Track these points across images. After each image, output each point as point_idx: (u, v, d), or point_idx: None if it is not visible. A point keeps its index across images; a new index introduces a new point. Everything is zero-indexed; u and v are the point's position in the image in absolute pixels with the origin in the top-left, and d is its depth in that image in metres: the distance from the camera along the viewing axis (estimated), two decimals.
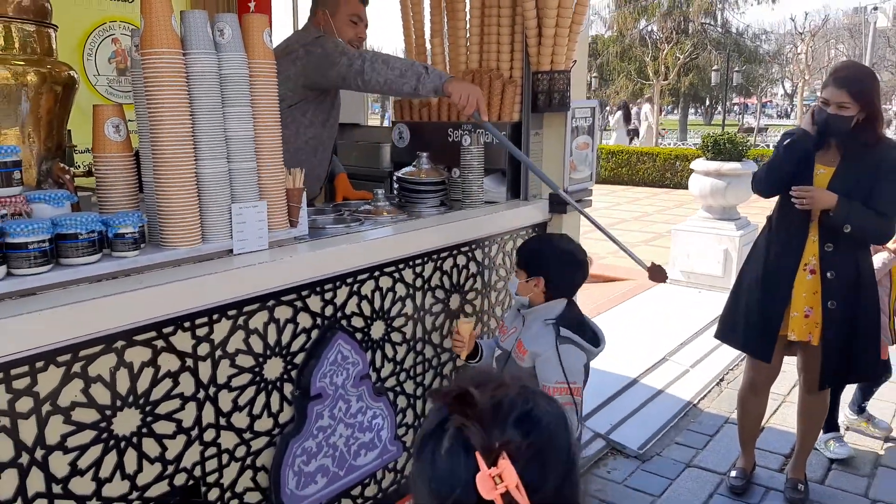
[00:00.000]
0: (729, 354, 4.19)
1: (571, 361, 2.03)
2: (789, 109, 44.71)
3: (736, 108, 40.08)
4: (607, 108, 17.42)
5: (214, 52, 1.65)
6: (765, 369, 2.76)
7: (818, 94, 2.59)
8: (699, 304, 5.29)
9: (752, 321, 2.71)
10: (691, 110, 35.64)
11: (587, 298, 4.94)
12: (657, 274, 2.35)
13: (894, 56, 33.62)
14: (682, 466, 3.15)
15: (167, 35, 1.55)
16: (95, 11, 3.42)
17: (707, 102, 33.75)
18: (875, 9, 11.44)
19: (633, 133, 17.51)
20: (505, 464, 0.71)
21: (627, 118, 16.95)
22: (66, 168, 1.73)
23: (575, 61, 2.57)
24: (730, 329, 2.83)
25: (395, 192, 2.72)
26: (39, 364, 1.34)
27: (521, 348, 2.09)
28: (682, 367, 4.16)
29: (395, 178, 2.75)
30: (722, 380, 4.07)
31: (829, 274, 2.53)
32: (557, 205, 2.73)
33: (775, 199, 2.70)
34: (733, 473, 2.99)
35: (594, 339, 2.10)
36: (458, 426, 0.75)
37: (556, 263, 2.10)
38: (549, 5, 2.40)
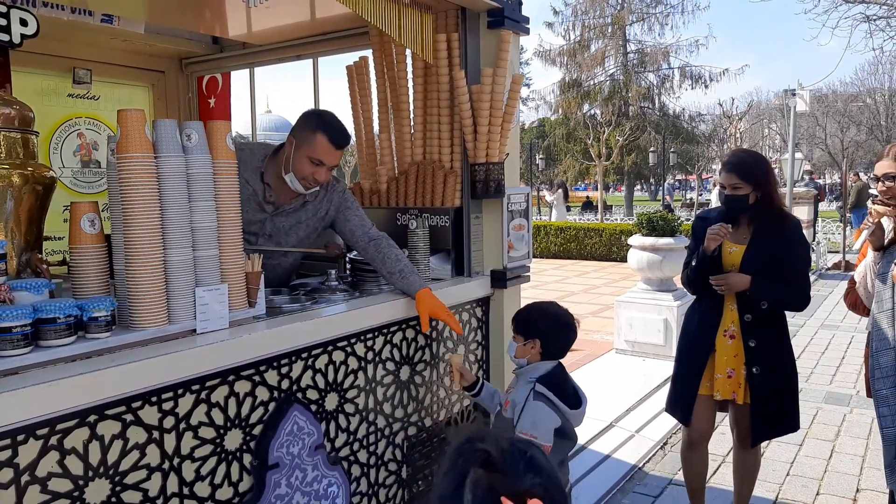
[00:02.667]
0: (672, 419, 4.40)
1: (539, 418, 2.19)
2: None
3: (679, 183, 42.00)
4: (559, 188, 19.34)
5: (182, 154, 1.87)
6: (697, 426, 2.97)
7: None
8: (643, 372, 5.53)
9: (676, 386, 2.96)
10: (637, 187, 37.19)
11: None
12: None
13: (823, 134, 35.99)
14: None
15: (141, 141, 1.76)
16: (63, 108, 3.64)
17: (651, 179, 35.28)
18: (794, 94, 12.41)
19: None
20: (534, 502, 0.85)
21: (566, 196, 19.10)
22: (43, 258, 1.89)
23: (508, 154, 2.87)
24: (667, 397, 3.07)
25: (349, 272, 2.93)
26: (20, 437, 1.47)
27: (506, 402, 2.30)
28: (629, 433, 4.35)
29: (348, 259, 2.96)
30: (666, 443, 4.26)
31: (750, 342, 2.78)
32: (498, 280, 2.97)
33: None
34: None
35: (575, 401, 2.27)
36: (478, 478, 0.88)
37: (548, 326, 2.32)
38: (482, 107, 2.71)
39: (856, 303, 2.88)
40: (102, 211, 1.89)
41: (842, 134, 34.89)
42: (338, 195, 2.66)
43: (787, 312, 2.95)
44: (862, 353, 3.11)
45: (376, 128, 3.17)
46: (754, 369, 2.77)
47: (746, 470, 3.06)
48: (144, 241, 1.77)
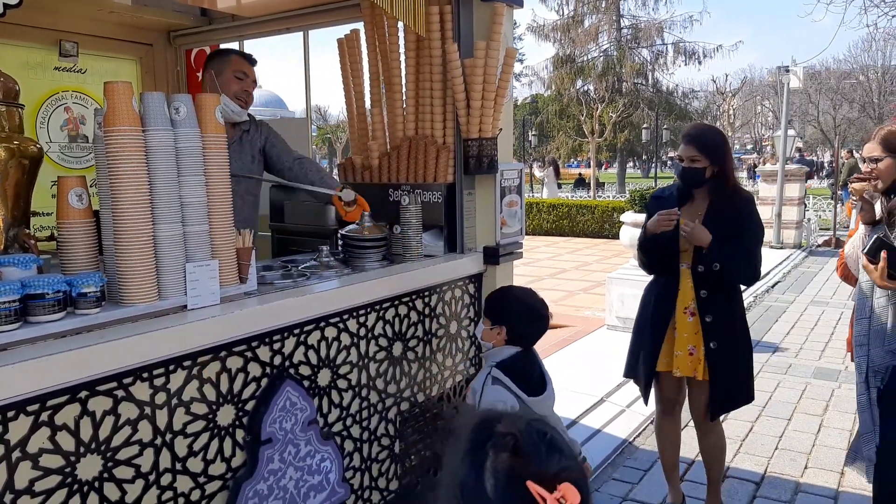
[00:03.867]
0: None
1: (494, 402, 2.15)
2: None
3: (673, 161, 41.99)
4: (550, 165, 19.30)
5: (171, 128, 1.84)
6: (667, 395, 3.00)
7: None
8: None
9: (634, 362, 3.00)
10: (629, 164, 37.12)
11: None
12: None
13: (815, 111, 35.96)
14: (618, 500, 3.34)
15: (128, 114, 1.73)
16: (49, 82, 3.57)
17: (643, 157, 35.21)
18: (787, 70, 12.37)
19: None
20: (566, 486, 0.81)
21: (557, 173, 19.23)
22: (31, 234, 1.87)
23: (501, 129, 2.84)
24: (630, 367, 3.08)
25: (340, 248, 2.91)
26: (10, 413, 1.46)
27: (468, 388, 2.27)
28: (619, 407, 4.39)
29: (339, 235, 2.95)
30: None
31: (707, 318, 2.78)
32: (491, 257, 2.96)
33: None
34: None
35: (539, 389, 2.24)
36: (500, 462, 0.85)
37: (518, 315, 2.29)
38: (475, 81, 2.68)
39: (847, 274, 2.90)
40: (91, 186, 1.86)
41: (834, 111, 34.87)
42: (265, 129, 3.10)
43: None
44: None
45: (368, 102, 3.13)
46: (711, 344, 2.77)
47: (712, 449, 3.04)
48: (133, 215, 1.75)
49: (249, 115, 3.03)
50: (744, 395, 2.92)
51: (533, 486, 0.82)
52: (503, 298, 2.39)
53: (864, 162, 2.60)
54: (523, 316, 2.30)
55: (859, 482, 3.42)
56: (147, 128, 1.79)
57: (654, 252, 2.86)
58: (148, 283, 1.79)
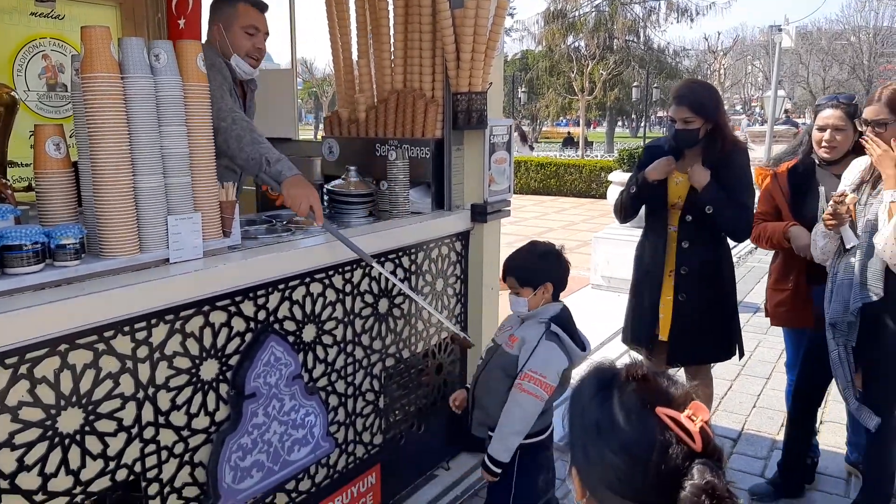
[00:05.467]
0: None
1: (549, 358, 2.13)
2: None
3: (662, 120, 41.80)
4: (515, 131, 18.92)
5: (151, 75, 1.78)
6: (654, 362, 3.00)
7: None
8: (619, 307, 5.61)
9: (632, 324, 2.99)
10: (618, 123, 36.90)
11: None
12: (460, 341, 2.58)
13: (805, 72, 35.81)
14: None
15: (106, 60, 1.67)
16: (25, 28, 3.45)
17: (633, 116, 34.99)
18: (780, 30, 12.27)
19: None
20: (695, 404, 0.92)
21: (524, 138, 19.01)
22: (8, 183, 1.82)
23: (491, 83, 2.79)
24: (627, 333, 3.07)
25: (326, 203, 2.87)
26: None
27: (512, 339, 2.22)
28: None
29: (325, 190, 2.90)
30: None
31: (682, 269, 2.76)
32: (479, 215, 2.94)
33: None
34: None
35: (581, 344, 2.23)
36: (629, 396, 0.94)
37: (550, 265, 2.24)
38: (465, 32, 2.61)
39: (759, 235, 2.92)
40: (70, 136, 1.81)
41: (824, 73, 34.73)
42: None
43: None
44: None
45: (355, 54, 3.05)
46: (680, 296, 2.76)
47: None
48: (112, 166, 1.70)
49: None
50: (710, 351, 2.88)
51: (662, 411, 0.90)
52: (532, 258, 2.28)
53: (868, 126, 2.43)
54: (554, 263, 2.25)
55: (833, 440, 3.50)
56: (126, 74, 1.73)
57: (639, 199, 2.82)
58: (129, 236, 1.75)
